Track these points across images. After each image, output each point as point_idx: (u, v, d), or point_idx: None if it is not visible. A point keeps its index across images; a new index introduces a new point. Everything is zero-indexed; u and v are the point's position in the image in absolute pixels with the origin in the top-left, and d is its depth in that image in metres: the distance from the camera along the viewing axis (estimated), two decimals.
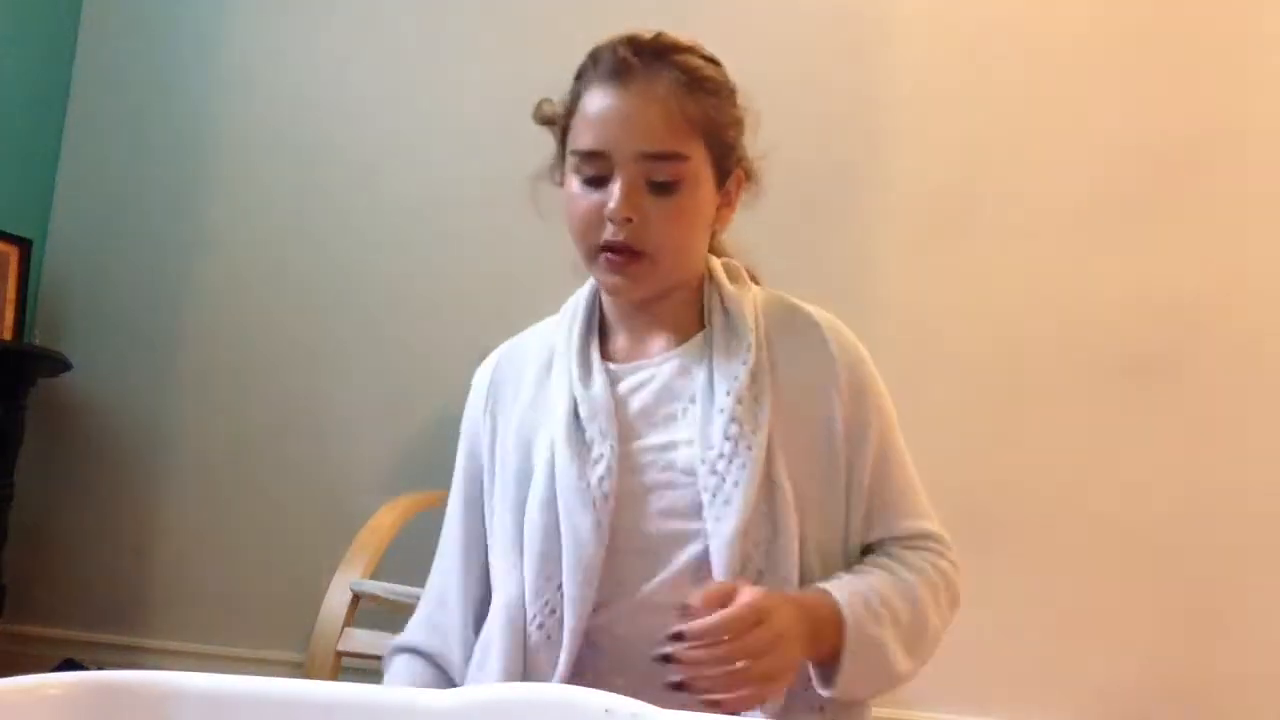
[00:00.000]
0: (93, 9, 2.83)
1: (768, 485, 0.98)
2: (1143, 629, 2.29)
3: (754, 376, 1.01)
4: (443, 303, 2.59)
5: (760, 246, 1.22)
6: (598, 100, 0.99)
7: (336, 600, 2.05)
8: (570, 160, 1.02)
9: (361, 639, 2.03)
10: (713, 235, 1.10)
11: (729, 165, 1.05)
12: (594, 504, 0.97)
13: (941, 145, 2.49)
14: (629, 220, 0.98)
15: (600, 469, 0.99)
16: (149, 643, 2.57)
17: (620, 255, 0.99)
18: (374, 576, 2.11)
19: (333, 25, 2.75)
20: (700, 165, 1.00)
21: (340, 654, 2.02)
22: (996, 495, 2.36)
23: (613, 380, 1.05)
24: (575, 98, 1.03)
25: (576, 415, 1.02)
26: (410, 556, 2.38)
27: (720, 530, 0.95)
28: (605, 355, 1.08)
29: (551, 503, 1.00)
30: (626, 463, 1.00)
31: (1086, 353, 2.38)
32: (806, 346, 1.05)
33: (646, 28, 1.01)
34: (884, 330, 2.42)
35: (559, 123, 1.05)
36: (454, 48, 2.71)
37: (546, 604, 0.98)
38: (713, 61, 1.04)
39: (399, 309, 2.62)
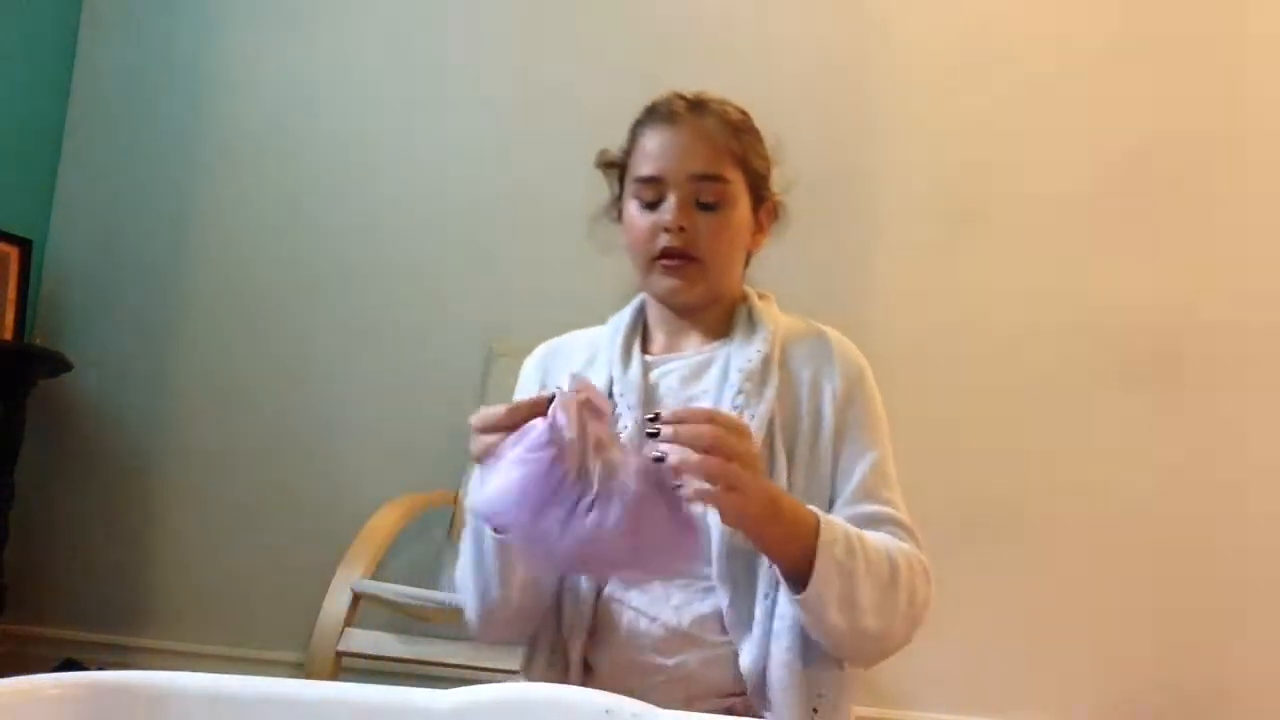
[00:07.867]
0: (93, 9, 2.83)
1: (766, 454, 1.10)
2: (1144, 630, 2.29)
3: (765, 363, 1.16)
4: (443, 304, 2.59)
5: (763, 254, 1.30)
6: (655, 138, 1.19)
7: (336, 600, 2.05)
8: (631, 188, 1.20)
9: (361, 639, 2.03)
10: (748, 257, 1.26)
11: (761, 194, 1.23)
12: None
13: (940, 150, 2.49)
14: (682, 229, 1.15)
15: (623, 436, 1.09)
16: (149, 643, 2.57)
17: (676, 260, 1.16)
18: (374, 577, 2.10)
19: (333, 25, 2.75)
20: (738, 190, 1.18)
21: (340, 654, 2.02)
22: (998, 497, 2.36)
23: (647, 368, 1.21)
24: (634, 139, 1.22)
25: (611, 393, 1.18)
26: (410, 557, 2.40)
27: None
28: (644, 351, 1.24)
29: None
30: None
31: (1087, 355, 2.38)
32: (814, 352, 1.20)
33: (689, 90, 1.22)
34: (884, 336, 2.42)
35: (618, 163, 1.24)
36: (453, 49, 2.71)
37: None
38: (743, 112, 1.24)
39: (400, 309, 2.62)
